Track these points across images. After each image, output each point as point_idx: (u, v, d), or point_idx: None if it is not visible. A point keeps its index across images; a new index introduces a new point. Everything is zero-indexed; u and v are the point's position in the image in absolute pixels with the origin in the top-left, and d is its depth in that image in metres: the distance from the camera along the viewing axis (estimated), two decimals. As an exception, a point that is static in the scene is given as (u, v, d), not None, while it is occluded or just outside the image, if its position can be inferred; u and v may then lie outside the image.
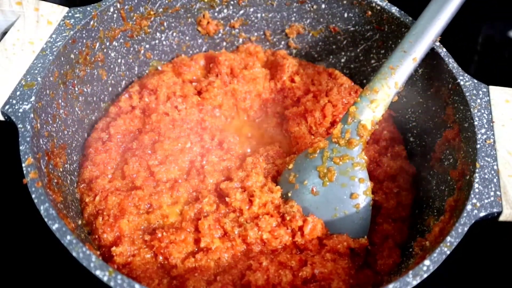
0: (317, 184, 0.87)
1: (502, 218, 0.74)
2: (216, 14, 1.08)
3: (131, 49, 1.02)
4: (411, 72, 0.86)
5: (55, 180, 0.79)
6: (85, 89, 0.94)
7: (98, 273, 0.63)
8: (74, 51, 0.88)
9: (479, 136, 0.80)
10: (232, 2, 1.06)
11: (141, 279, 0.77)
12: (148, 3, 0.98)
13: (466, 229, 0.71)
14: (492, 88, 0.86)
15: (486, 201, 0.74)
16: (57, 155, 0.83)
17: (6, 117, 0.76)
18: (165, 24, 1.04)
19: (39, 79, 0.78)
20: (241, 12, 1.08)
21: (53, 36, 0.84)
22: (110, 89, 1.02)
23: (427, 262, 0.67)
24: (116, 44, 0.98)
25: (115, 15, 0.94)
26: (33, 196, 0.68)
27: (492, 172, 0.76)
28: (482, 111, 0.83)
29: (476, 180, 0.75)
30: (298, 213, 0.85)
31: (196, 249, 0.82)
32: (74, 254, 0.64)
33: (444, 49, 0.90)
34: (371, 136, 0.99)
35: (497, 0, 1.36)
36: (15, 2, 0.86)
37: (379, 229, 0.89)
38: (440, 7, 0.86)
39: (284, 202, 0.88)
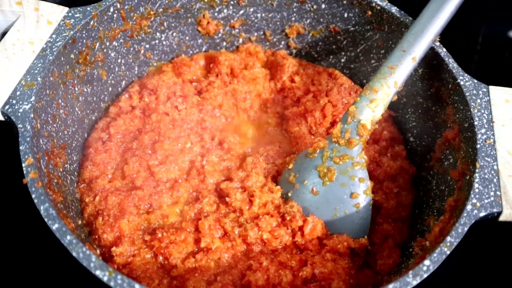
0: (317, 184, 0.87)
1: (502, 218, 0.74)
2: (216, 14, 1.08)
3: (131, 49, 1.02)
4: (411, 72, 0.86)
5: (55, 180, 0.79)
6: (85, 89, 0.94)
7: (98, 273, 0.63)
8: (74, 51, 0.88)
9: (479, 136, 0.80)
10: (232, 2, 1.06)
11: (141, 279, 0.77)
12: (148, 3, 0.98)
13: (466, 229, 0.71)
14: (492, 88, 0.86)
15: (486, 201, 0.74)
16: (57, 155, 0.83)
17: (6, 117, 0.76)
18: (165, 24, 1.04)
19: (39, 79, 0.78)
20: (241, 12, 1.08)
21: (53, 36, 0.84)
22: (110, 89, 1.02)
23: (427, 262, 0.67)
24: (116, 44, 0.98)
25: (115, 15, 0.94)
26: (33, 196, 0.68)
27: (492, 172, 0.76)
28: (482, 111, 0.83)
29: (476, 180, 0.75)
30: (298, 213, 0.85)
31: (196, 249, 0.82)
32: (74, 254, 0.64)
33: (444, 49, 0.90)
34: (371, 136, 0.99)
35: (497, 0, 1.36)
36: (15, 2, 0.86)
37: (379, 229, 0.89)
38: (439, 7, 0.86)
39: (284, 202, 0.88)
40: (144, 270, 0.79)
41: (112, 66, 1.00)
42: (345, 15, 1.04)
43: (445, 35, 0.90)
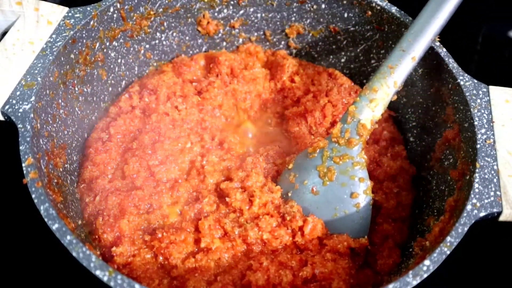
0: (317, 184, 0.87)
1: (502, 218, 0.74)
2: (216, 14, 1.08)
3: (131, 49, 1.02)
4: (410, 71, 0.86)
5: (55, 180, 0.79)
6: (85, 89, 0.94)
7: (98, 273, 0.63)
8: (74, 51, 0.88)
9: (479, 136, 0.80)
10: (232, 2, 1.06)
11: (141, 279, 0.77)
12: (148, 3, 0.98)
13: (466, 229, 0.71)
14: (492, 88, 0.86)
15: (486, 201, 0.74)
16: (57, 155, 0.83)
17: (6, 117, 0.76)
18: (165, 24, 1.04)
19: (39, 79, 0.78)
20: (241, 12, 1.08)
21: (53, 36, 0.84)
22: (110, 89, 1.02)
23: (427, 262, 0.67)
24: (116, 44, 0.98)
25: (115, 15, 0.94)
26: (33, 196, 0.68)
27: (492, 172, 0.76)
28: (482, 111, 0.83)
29: (476, 180, 0.75)
30: (298, 213, 0.85)
31: (196, 249, 0.82)
32: (74, 254, 0.64)
33: (444, 49, 0.90)
34: (371, 136, 0.99)
35: (497, 0, 1.36)
36: (15, 2, 0.86)
37: (379, 229, 0.89)
38: (439, 6, 0.86)
39: (284, 202, 0.88)
40: (144, 270, 0.79)
41: (112, 66, 1.00)
42: (345, 15, 1.04)
43: (445, 35, 0.90)
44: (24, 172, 0.70)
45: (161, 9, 1.01)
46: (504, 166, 0.77)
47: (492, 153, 0.78)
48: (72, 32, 0.85)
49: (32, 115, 0.75)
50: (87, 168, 0.91)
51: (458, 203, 0.78)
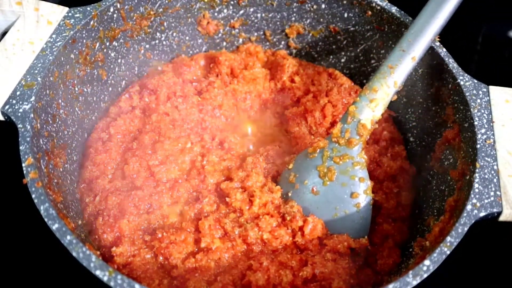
0: (317, 184, 0.87)
1: (502, 218, 0.74)
2: (216, 14, 1.08)
3: (131, 49, 1.02)
4: (410, 71, 0.86)
5: (55, 180, 0.79)
6: (85, 89, 0.94)
7: (98, 273, 0.63)
8: (74, 51, 0.88)
9: (479, 136, 0.80)
10: (232, 2, 1.06)
11: (142, 279, 0.77)
12: (148, 3, 0.98)
13: (466, 229, 0.71)
14: (492, 88, 0.86)
15: (486, 201, 0.74)
16: (57, 155, 0.83)
17: (6, 117, 0.76)
18: (165, 24, 1.04)
19: (39, 79, 0.78)
20: (241, 12, 1.08)
21: (53, 36, 0.84)
22: (110, 89, 1.02)
23: (427, 262, 0.67)
24: (116, 44, 0.98)
25: (115, 15, 0.94)
26: (33, 196, 0.68)
27: (492, 172, 0.76)
28: (482, 111, 0.83)
29: (476, 180, 0.75)
30: (299, 213, 0.85)
31: (197, 249, 0.82)
32: (74, 254, 0.64)
33: (444, 49, 0.90)
34: (371, 136, 0.99)
35: (497, 0, 1.36)
36: (15, 2, 0.86)
37: (379, 229, 0.89)
38: (438, 6, 0.86)
39: (284, 202, 0.88)
40: (144, 270, 0.79)
41: (112, 66, 1.00)
42: (345, 15, 1.04)
43: (445, 35, 0.90)
44: (24, 172, 0.70)
45: (161, 9, 1.01)
46: (504, 166, 0.77)
47: (492, 153, 0.78)
48: (72, 32, 0.85)
49: (32, 115, 0.75)
50: (87, 168, 0.91)
51: (458, 203, 0.78)
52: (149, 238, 0.82)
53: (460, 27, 1.08)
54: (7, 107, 0.75)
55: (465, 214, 0.72)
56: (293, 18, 1.09)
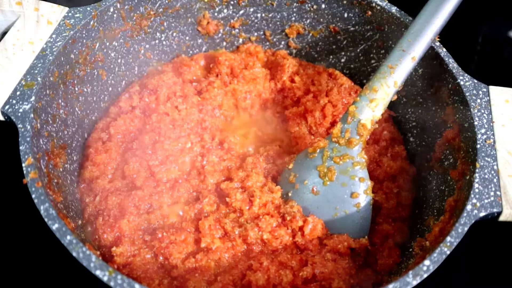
0: (318, 184, 0.87)
1: (502, 218, 0.74)
2: (216, 14, 1.08)
3: (131, 49, 1.02)
4: (410, 71, 0.86)
5: (55, 180, 0.79)
6: (85, 89, 0.94)
7: (98, 273, 0.63)
8: (74, 51, 0.88)
9: (479, 136, 0.80)
10: (232, 2, 1.06)
11: (142, 279, 0.77)
12: (148, 3, 0.98)
13: (466, 229, 0.71)
14: (492, 88, 0.86)
15: (486, 201, 0.74)
16: (57, 155, 0.83)
17: (6, 117, 0.76)
18: (165, 24, 1.04)
19: (39, 79, 0.78)
20: (241, 12, 1.08)
21: (53, 36, 0.84)
22: (110, 89, 1.02)
23: (427, 262, 0.67)
24: (116, 44, 0.98)
25: (115, 15, 0.94)
26: (33, 196, 0.68)
27: (492, 172, 0.76)
28: (482, 111, 0.83)
29: (476, 180, 0.75)
30: (299, 213, 0.85)
31: (197, 249, 0.82)
32: (74, 254, 0.64)
33: (444, 49, 0.90)
34: (371, 136, 0.99)
35: (497, 0, 1.36)
36: (15, 2, 0.86)
37: (379, 229, 0.89)
38: (438, 6, 0.86)
39: (284, 202, 0.88)
40: (144, 270, 0.79)
41: (112, 66, 1.00)
42: (345, 15, 1.04)
43: (445, 35, 0.90)
44: (24, 172, 0.70)
45: (161, 9, 1.01)
46: (504, 166, 0.77)
47: (492, 153, 0.78)
48: (72, 32, 0.85)
49: (32, 115, 0.75)
50: (87, 168, 0.91)
51: (458, 203, 0.78)
52: (149, 238, 0.82)
53: (460, 27, 1.08)
54: (7, 107, 0.75)
55: (465, 214, 0.72)
56: (293, 18, 1.09)
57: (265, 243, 0.83)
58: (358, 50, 1.08)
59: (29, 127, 0.73)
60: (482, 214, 0.72)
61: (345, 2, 1.02)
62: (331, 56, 1.13)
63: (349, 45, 1.09)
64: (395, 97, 0.87)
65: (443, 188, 0.87)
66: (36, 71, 0.79)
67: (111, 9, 0.92)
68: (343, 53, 1.11)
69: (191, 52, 1.13)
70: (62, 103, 0.87)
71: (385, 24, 1.00)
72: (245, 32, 1.12)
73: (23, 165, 0.70)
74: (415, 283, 0.66)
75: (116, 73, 1.02)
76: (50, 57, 0.81)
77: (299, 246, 0.84)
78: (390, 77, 0.85)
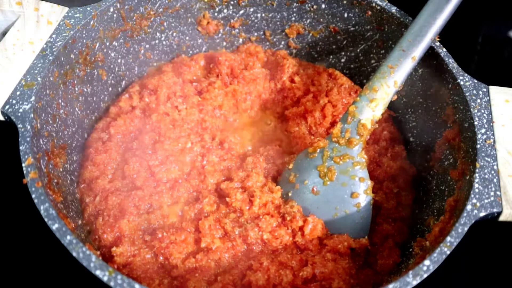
0: (318, 184, 0.87)
1: (502, 218, 0.74)
2: (216, 14, 1.08)
3: (131, 49, 1.02)
4: (410, 71, 0.86)
5: (55, 180, 0.79)
6: (85, 89, 0.94)
7: (98, 273, 0.63)
8: (74, 51, 0.88)
9: (479, 136, 0.80)
10: (232, 2, 1.06)
11: (142, 279, 0.77)
12: (148, 3, 0.98)
13: (466, 229, 0.71)
14: (492, 88, 0.86)
15: (486, 201, 0.73)
16: (57, 155, 0.83)
17: (6, 117, 0.76)
18: (165, 24, 1.04)
19: (39, 79, 0.78)
20: (241, 12, 1.08)
21: (53, 36, 0.84)
22: (110, 89, 1.02)
23: (427, 262, 0.67)
24: (116, 44, 0.98)
25: (115, 15, 0.94)
26: (33, 196, 0.68)
27: (492, 172, 0.76)
28: (482, 111, 0.83)
29: (476, 180, 0.75)
30: (299, 213, 0.85)
31: (197, 249, 0.82)
32: (74, 254, 0.64)
33: (444, 49, 0.90)
34: (371, 136, 0.99)
35: (497, 0, 1.36)
36: (15, 2, 0.86)
37: (379, 229, 0.89)
38: (438, 6, 0.86)
39: (284, 202, 0.88)
40: (144, 270, 0.79)
41: (112, 66, 1.00)
42: (345, 15, 1.04)
43: (445, 35, 0.90)
44: (24, 172, 0.70)
45: (161, 9, 1.01)
46: (504, 166, 0.77)
47: (492, 153, 0.78)
48: (72, 32, 0.85)
49: (32, 115, 0.75)
50: (87, 168, 0.91)
51: (458, 203, 0.78)
52: (149, 238, 0.82)
53: (460, 27, 1.08)
54: (7, 107, 0.75)
55: (465, 214, 0.72)
56: (293, 18, 1.09)
57: (265, 243, 0.83)
58: (358, 50, 1.08)
59: (29, 127, 0.73)
60: (482, 214, 0.72)
61: (345, 2, 1.02)
62: (331, 56, 1.13)
63: (349, 45, 1.09)
64: (395, 97, 0.87)
65: (443, 188, 0.87)
66: (36, 71, 0.79)
67: (111, 9, 0.92)
68: (343, 53, 1.11)
69: (191, 52, 1.13)
70: (62, 103, 0.87)
71: (385, 24, 1.00)
72: (245, 32, 1.12)
73: (23, 165, 0.70)
74: (415, 283, 0.66)
75: (116, 73, 1.02)
76: (50, 57, 0.81)
77: (299, 246, 0.84)
78: (390, 77, 0.85)
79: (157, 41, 1.06)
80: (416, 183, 0.96)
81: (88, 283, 0.70)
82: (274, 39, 1.14)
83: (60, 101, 0.86)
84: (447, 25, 0.88)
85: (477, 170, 0.76)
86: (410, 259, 0.81)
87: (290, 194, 0.88)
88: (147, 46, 1.05)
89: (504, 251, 0.98)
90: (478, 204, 0.73)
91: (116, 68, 1.01)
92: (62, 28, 0.85)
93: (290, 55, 1.15)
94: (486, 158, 0.78)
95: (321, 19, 1.07)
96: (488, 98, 0.84)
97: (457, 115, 0.87)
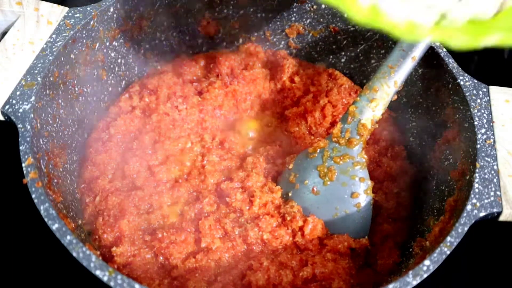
0: (318, 184, 0.87)
1: (502, 218, 0.74)
2: (216, 14, 1.08)
3: (131, 49, 1.02)
4: (410, 71, 0.86)
5: (55, 180, 0.79)
6: (85, 89, 0.94)
7: (98, 273, 0.63)
8: (74, 51, 0.88)
9: (479, 136, 0.80)
10: (232, 2, 1.06)
11: (142, 279, 0.77)
12: (148, 3, 0.98)
13: (466, 229, 0.71)
14: (492, 88, 0.86)
15: (486, 201, 0.73)
16: (57, 155, 0.83)
17: (6, 117, 0.76)
18: (165, 24, 1.04)
19: (39, 79, 0.78)
20: (241, 12, 1.08)
21: (53, 36, 0.84)
22: (110, 89, 1.02)
23: (427, 262, 0.67)
24: (116, 44, 0.98)
25: (115, 15, 0.94)
26: (33, 196, 0.68)
27: (492, 172, 0.76)
28: (482, 111, 0.83)
29: (476, 180, 0.75)
30: (299, 213, 0.85)
31: (197, 249, 0.82)
32: (74, 254, 0.64)
33: (444, 49, 0.90)
34: (371, 136, 0.99)
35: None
36: (15, 2, 0.86)
37: (379, 229, 0.89)
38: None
39: (284, 202, 0.88)
40: (144, 270, 0.79)
41: (112, 66, 1.00)
42: (345, 15, 1.04)
43: (445, 35, 0.90)
44: (24, 172, 0.70)
45: (161, 9, 1.01)
46: (504, 166, 0.77)
47: (492, 153, 0.78)
48: (72, 32, 0.85)
49: (32, 115, 0.75)
50: (87, 168, 0.91)
51: (458, 203, 0.78)
52: (149, 238, 0.82)
53: (460, 27, 1.08)
54: (7, 107, 0.75)
55: (465, 214, 0.72)
56: (293, 18, 1.09)
57: (265, 243, 0.83)
58: (358, 50, 1.08)
59: (29, 127, 0.73)
60: (482, 214, 0.72)
61: (345, 2, 1.02)
62: (331, 56, 1.13)
63: (349, 45, 1.09)
64: (395, 97, 0.87)
65: (443, 188, 0.87)
66: (36, 71, 0.79)
67: (111, 9, 0.92)
68: (343, 53, 1.11)
69: (191, 52, 1.13)
70: (62, 103, 0.87)
71: (385, 24, 0.99)
72: (245, 32, 1.12)
73: (23, 165, 0.70)
74: (415, 283, 0.66)
75: (116, 73, 1.02)
76: (50, 57, 0.81)
77: (299, 246, 0.84)
78: (390, 77, 0.85)
79: (157, 41, 1.06)
80: (416, 183, 0.96)
81: (88, 283, 0.69)
82: (274, 39, 1.14)
83: (60, 101, 0.86)
84: (447, 25, 0.87)
85: (477, 170, 0.76)
86: (410, 259, 0.81)
87: (290, 194, 0.88)
88: (147, 46, 1.05)
89: (504, 251, 0.98)
90: (478, 204, 0.73)
91: (116, 68, 1.01)
92: (62, 28, 0.85)
93: (290, 55, 1.15)
94: (486, 158, 0.78)
95: (321, 19, 1.07)
96: (488, 98, 0.84)
97: (457, 115, 0.87)
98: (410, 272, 0.66)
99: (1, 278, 0.90)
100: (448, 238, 0.70)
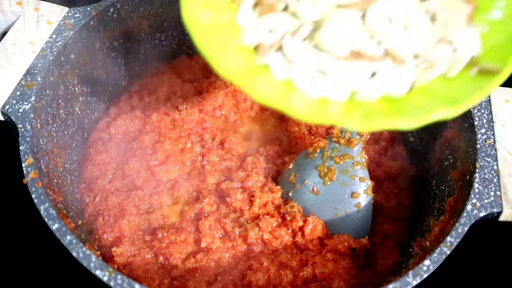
0: (318, 184, 0.87)
1: (502, 218, 0.74)
2: (216, 14, 1.08)
3: (131, 49, 1.02)
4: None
5: (55, 180, 0.79)
6: (85, 89, 0.94)
7: (98, 273, 0.63)
8: (74, 51, 0.88)
9: (479, 136, 0.80)
10: (232, 2, 1.06)
11: (142, 279, 0.77)
12: (148, 3, 0.98)
13: (466, 229, 0.71)
14: (492, 88, 0.86)
15: (486, 201, 0.74)
16: (57, 155, 0.83)
17: (6, 117, 0.76)
18: (165, 24, 1.04)
19: (39, 79, 0.78)
20: (241, 12, 1.08)
21: (53, 36, 0.84)
22: (110, 89, 1.02)
23: (427, 262, 0.67)
24: (116, 44, 0.98)
25: (115, 15, 0.94)
26: (33, 196, 0.68)
27: (492, 172, 0.76)
28: (482, 111, 0.83)
29: (476, 180, 0.75)
30: (299, 214, 0.85)
31: (197, 249, 0.82)
32: (74, 254, 0.64)
33: (444, 49, 0.90)
34: (371, 136, 0.99)
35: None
36: (15, 2, 0.86)
37: (379, 229, 0.89)
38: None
39: (284, 202, 0.88)
40: (144, 270, 0.79)
41: (112, 66, 1.00)
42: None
43: (445, 35, 0.90)
44: (24, 172, 0.70)
45: (161, 9, 1.01)
46: (504, 166, 0.77)
47: (492, 153, 0.78)
48: (72, 32, 0.85)
49: (32, 115, 0.75)
50: (87, 168, 0.91)
51: (458, 203, 0.78)
52: (149, 238, 0.82)
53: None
54: (7, 107, 0.75)
55: (465, 214, 0.72)
56: (293, 18, 1.09)
57: (265, 243, 0.83)
58: (358, 50, 1.08)
59: (29, 127, 0.73)
60: (482, 214, 0.72)
61: (345, 2, 1.02)
62: (331, 56, 1.12)
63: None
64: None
65: (443, 188, 0.87)
66: (36, 71, 0.79)
67: (111, 9, 0.92)
68: (343, 53, 1.11)
69: (191, 52, 1.13)
70: (62, 103, 0.87)
71: (385, 24, 0.99)
72: (245, 32, 1.12)
73: (23, 165, 0.70)
74: (415, 283, 0.66)
75: (116, 73, 1.02)
76: (50, 57, 0.81)
77: (299, 246, 0.84)
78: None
79: (157, 41, 1.06)
80: (416, 183, 0.96)
81: (88, 283, 0.69)
82: (274, 39, 1.14)
83: (60, 101, 0.86)
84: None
85: (477, 170, 0.76)
86: (410, 259, 0.81)
87: (290, 194, 0.88)
88: (147, 46, 1.05)
89: (504, 251, 0.98)
90: (478, 204, 0.73)
91: (116, 68, 1.01)
92: (62, 28, 0.85)
93: (290, 55, 1.14)
94: (486, 158, 0.78)
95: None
96: (488, 98, 0.84)
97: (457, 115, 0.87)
98: (410, 272, 0.66)
99: (1, 278, 0.90)
100: (448, 238, 0.70)
